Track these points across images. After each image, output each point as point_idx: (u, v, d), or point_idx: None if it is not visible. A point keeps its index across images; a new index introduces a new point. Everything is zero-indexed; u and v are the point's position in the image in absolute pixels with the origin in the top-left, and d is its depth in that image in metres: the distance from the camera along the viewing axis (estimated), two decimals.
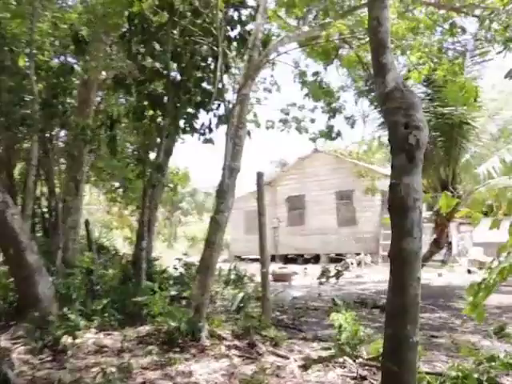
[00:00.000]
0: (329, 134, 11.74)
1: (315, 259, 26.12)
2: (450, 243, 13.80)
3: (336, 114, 11.97)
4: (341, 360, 5.23)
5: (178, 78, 8.42)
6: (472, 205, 14.14)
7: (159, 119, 8.21)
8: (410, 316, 2.76)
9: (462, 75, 11.57)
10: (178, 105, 8.27)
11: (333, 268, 14.36)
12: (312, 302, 10.31)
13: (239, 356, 5.55)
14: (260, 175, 7.53)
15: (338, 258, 24.97)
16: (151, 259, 9.76)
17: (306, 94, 11.57)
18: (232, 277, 11.58)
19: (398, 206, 2.93)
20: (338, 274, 12.96)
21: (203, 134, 8.75)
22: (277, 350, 5.84)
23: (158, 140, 8.64)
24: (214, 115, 8.70)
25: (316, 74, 11.39)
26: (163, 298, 6.68)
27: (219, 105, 8.56)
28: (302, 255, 27.21)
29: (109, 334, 6.25)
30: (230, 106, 7.46)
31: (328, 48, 10.64)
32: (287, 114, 15.75)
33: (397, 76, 3.11)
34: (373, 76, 3.37)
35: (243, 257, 28.85)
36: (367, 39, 8.15)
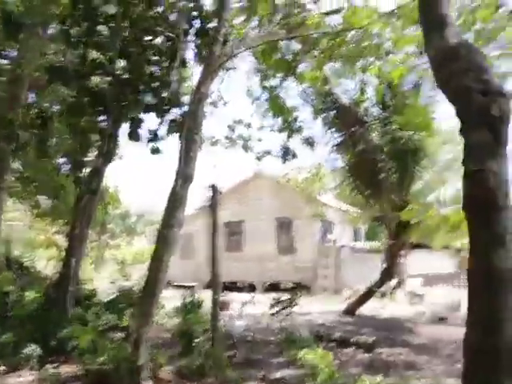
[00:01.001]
0: (285, 154, 10.99)
1: (251, 288, 25.12)
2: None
3: (293, 133, 11.29)
4: None
5: (126, 74, 7.37)
6: (426, 231, 13.94)
7: (101, 117, 7.09)
8: (505, 364, 1.87)
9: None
10: (124, 104, 7.19)
11: (284, 297, 13.43)
12: (260, 335, 9.31)
13: None
14: (215, 188, 6.57)
15: (275, 287, 24.30)
16: (79, 281, 8.46)
17: (264, 109, 10.83)
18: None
19: (483, 203, 2.01)
20: (291, 304, 12.01)
21: (152, 141, 7.70)
22: None
23: (98, 143, 7.48)
24: (164, 121, 7.70)
25: (273, 87, 10.68)
26: (94, 328, 5.49)
27: (170, 108, 7.58)
28: (236, 283, 26.17)
29: (20, 376, 4.95)
30: (185, 108, 6.51)
31: (287, 61, 9.98)
32: (233, 130, 14.99)
33: (458, 31, 2.32)
34: (425, 32, 2.54)
35: (176, 284, 27.38)
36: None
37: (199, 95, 6.13)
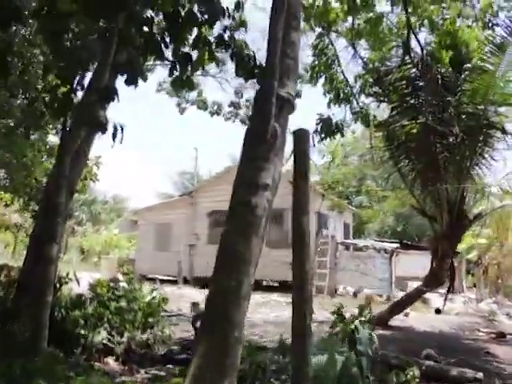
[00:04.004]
0: (327, 128, 8.27)
1: None
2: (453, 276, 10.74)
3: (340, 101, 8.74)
4: None
5: None
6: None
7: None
8: None
9: None
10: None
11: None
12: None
13: None
14: (303, 135, 3.84)
15: (257, 285, 21.79)
16: (61, 281, 5.62)
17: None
18: None
19: None
20: None
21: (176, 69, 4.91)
22: None
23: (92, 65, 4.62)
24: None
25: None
26: None
27: None
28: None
29: None
30: None
31: None
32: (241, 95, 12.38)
33: None
34: None
35: (150, 276, 24.35)
36: None
37: None
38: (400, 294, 20.32)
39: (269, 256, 21.65)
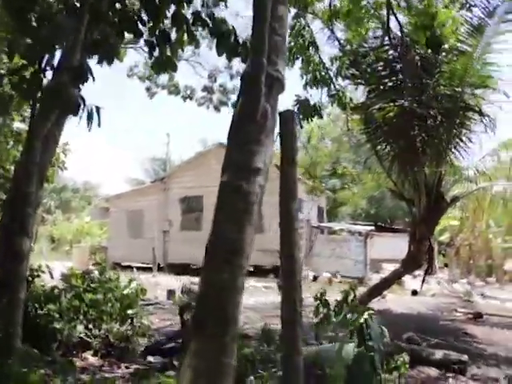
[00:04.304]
0: (304, 110, 8.15)
1: None
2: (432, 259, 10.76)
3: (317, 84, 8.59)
4: None
5: None
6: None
7: None
8: None
9: None
10: None
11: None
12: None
13: None
14: (289, 116, 3.65)
15: None
16: (33, 273, 5.32)
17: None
18: None
19: None
20: None
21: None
22: None
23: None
24: None
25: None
26: None
27: None
28: (189, 265, 23.27)
29: None
30: None
31: None
32: (214, 79, 12.16)
33: None
34: None
35: (124, 264, 23.97)
36: None
37: None
38: (374, 277, 20.54)
39: None
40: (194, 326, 2.35)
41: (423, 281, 11.14)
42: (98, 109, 3.77)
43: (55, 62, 4.07)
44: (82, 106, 3.70)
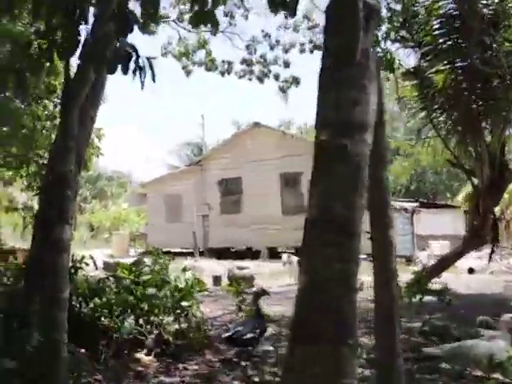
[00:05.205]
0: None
1: (253, 254, 21.55)
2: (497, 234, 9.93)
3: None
4: None
5: None
6: None
7: None
8: None
9: None
10: None
11: None
12: None
13: None
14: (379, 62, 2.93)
15: (274, 253, 21.14)
16: (76, 265, 4.80)
17: None
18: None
19: None
20: None
21: None
22: None
23: None
24: None
25: None
26: None
27: None
28: (229, 249, 22.88)
29: None
30: None
31: None
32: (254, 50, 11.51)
33: None
34: None
35: (164, 250, 23.63)
36: None
37: None
38: (422, 254, 19.65)
39: (283, 223, 20.94)
40: (296, 328, 1.73)
41: (490, 258, 10.31)
42: (149, 61, 3.15)
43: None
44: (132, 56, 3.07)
